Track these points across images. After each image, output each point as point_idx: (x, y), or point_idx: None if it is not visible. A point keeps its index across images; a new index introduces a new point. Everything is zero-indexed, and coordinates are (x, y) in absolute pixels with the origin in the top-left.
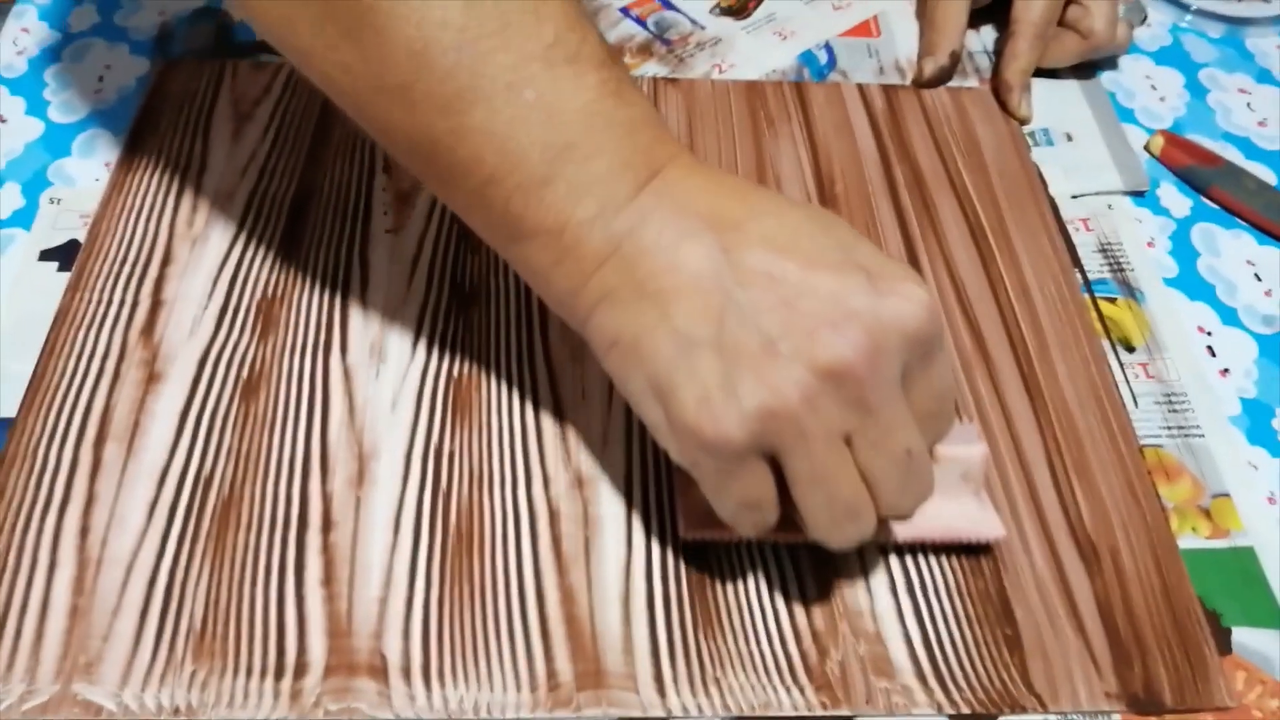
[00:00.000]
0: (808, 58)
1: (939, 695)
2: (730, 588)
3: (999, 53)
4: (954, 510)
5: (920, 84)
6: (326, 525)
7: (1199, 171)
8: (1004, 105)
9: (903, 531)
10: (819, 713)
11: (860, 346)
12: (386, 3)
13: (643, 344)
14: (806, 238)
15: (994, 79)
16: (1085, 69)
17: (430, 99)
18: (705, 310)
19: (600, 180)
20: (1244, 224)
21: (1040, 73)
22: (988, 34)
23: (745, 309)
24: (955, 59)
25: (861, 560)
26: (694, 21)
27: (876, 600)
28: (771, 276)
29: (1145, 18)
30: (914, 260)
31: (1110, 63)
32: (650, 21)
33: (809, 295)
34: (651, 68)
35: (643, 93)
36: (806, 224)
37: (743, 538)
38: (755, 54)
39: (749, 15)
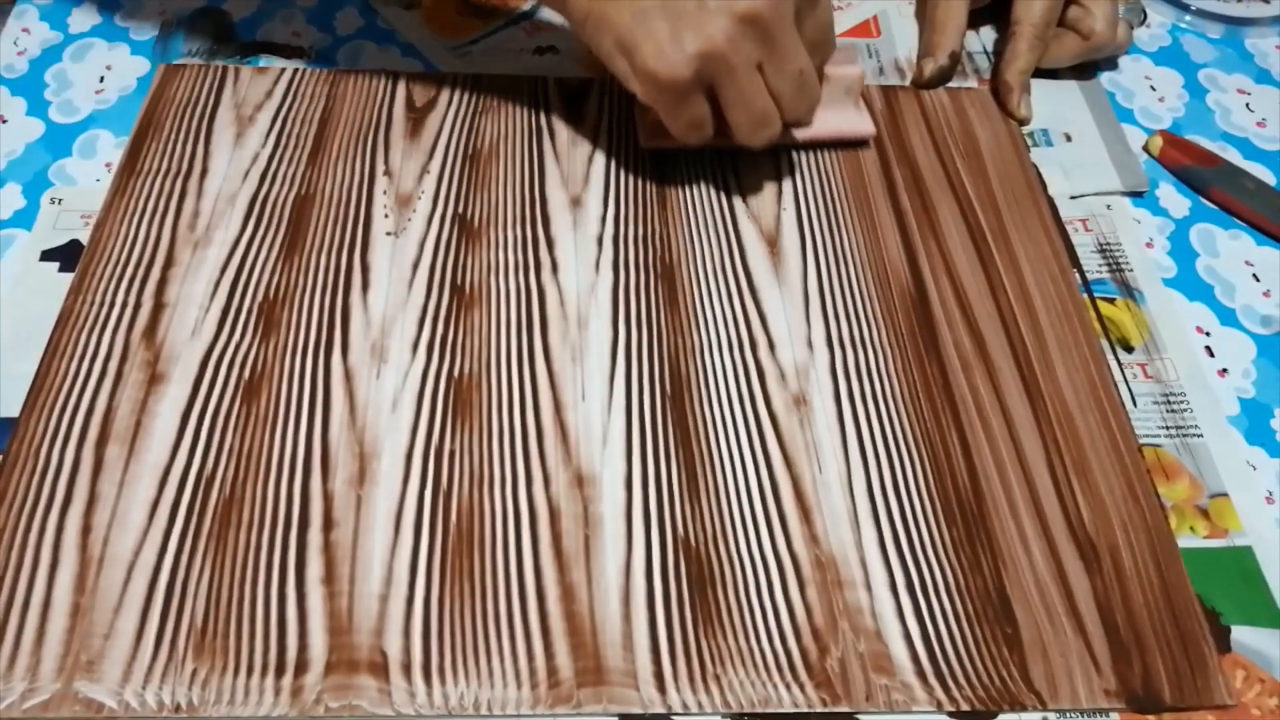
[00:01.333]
0: None
1: (939, 692)
2: (730, 585)
3: (999, 53)
4: (840, 116)
5: (920, 85)
6: (327, 524)
7: (1198, 172)
8: (1003, 106)
9: (802, 134)
10: (819, 709)
11: None
12: None
13: (609, 13)
14: None
15: (993, 80)
16: (1084, 69)
17: None
18: None
19: None
20: (1243, 224)
21: (1040, 73)
22: (987, 34)
23: None
24: (955, 60)
25: (862, 560)
26: None
27: (876, 598)
28: None
29: (1145, 18)
30: (913, 261)
31: (1109, 63)
32: None
33: None
34: None
35: None
36: None
37: (689, 145)
38: None
39: None
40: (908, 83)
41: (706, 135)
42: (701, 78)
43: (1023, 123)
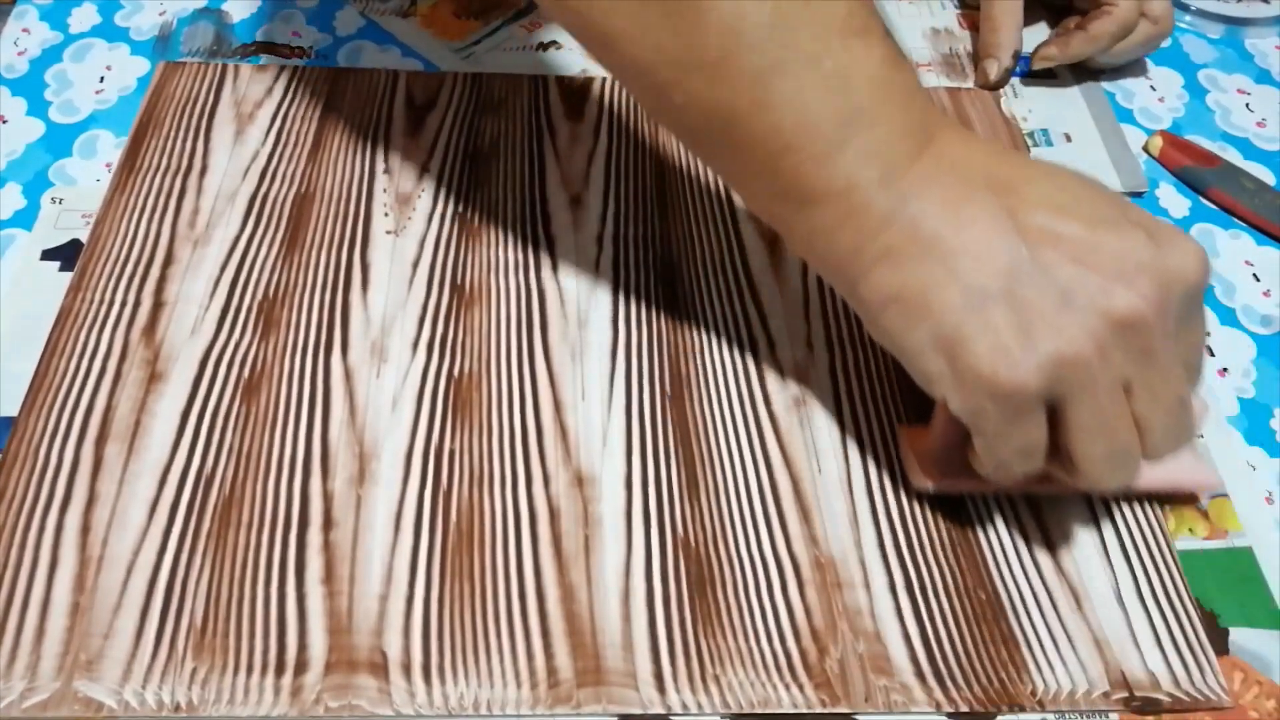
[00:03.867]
0: None
1: (938, 693)
2: (729, 586)
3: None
4: (1179, 464)
5: (987, 87)
6: (327, 524)
7: (1198, 172)
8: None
9: (1141, 485)
10: (818, 710)
11: (1150, 297)
12: None
13: (930, 298)
14: (1084, 200)
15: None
16: (1084, 70)
17: (740, 73)
18: (994, 266)
19: (886, 144)
20: (1242, 224)
21: (1039, 74)
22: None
23: (1035, 266)
24: (1017, 57)
25: (861, 561)
26: None
27: (875, 599)
28: (1058, 235)
29: None
30: None
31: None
32: None
33: (1096, 251)
34: None
35: (911, 64)
36: (1080, 188)
37: (989, 488)
38: None
39: None
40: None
41: (1035, 466)
42: (1052, 391)
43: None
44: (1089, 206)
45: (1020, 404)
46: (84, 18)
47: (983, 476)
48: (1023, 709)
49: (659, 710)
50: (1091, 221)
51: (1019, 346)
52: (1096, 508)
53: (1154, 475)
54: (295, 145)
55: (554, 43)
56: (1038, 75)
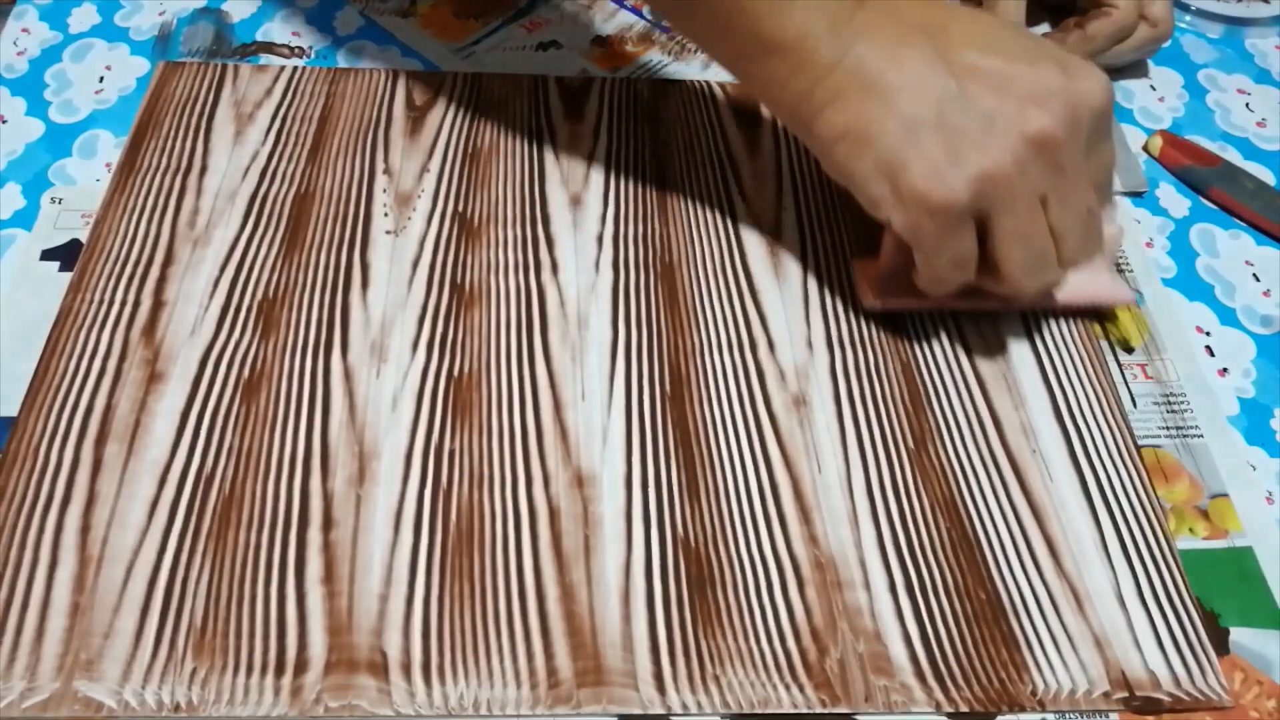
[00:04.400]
0: None
1: (938, 694)
2: (729, 586)
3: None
4: (1096, 280)
5: None
6: (327, 523)
7: (1198, 172)
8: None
9: (1060, 298)
10: (818, 710)
11: (1061, 118)
12: None
13: (873, 130)
14: (1004, 39)
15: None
16: None
17: None
18: (927, 99)
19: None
20: (1243, 224)
21: None
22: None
23: (962, 97)
24: None
25: (861, 561)
26: None
27: (876, 599)
28: (981, 69)
29: None
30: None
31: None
32: (647, 10)
33: (1014, 81)
34: (655, 55)
35: None
36: (1001, 29)
37: (929, 304)
38: None
39: None
40: None
41: (967, 277)
42: (978, 205)
43: None
44: (1008, 44)
45: (952, 217)
46: (84, 18)
47: (924, 293)
48: (1023, 709)
49: (659, 710)
50: (1010, 56)
51: (950, 167)
52: (1095, 506)
53: (1075, 289)
54: (295, 145)
55: (554, 43)
56: None
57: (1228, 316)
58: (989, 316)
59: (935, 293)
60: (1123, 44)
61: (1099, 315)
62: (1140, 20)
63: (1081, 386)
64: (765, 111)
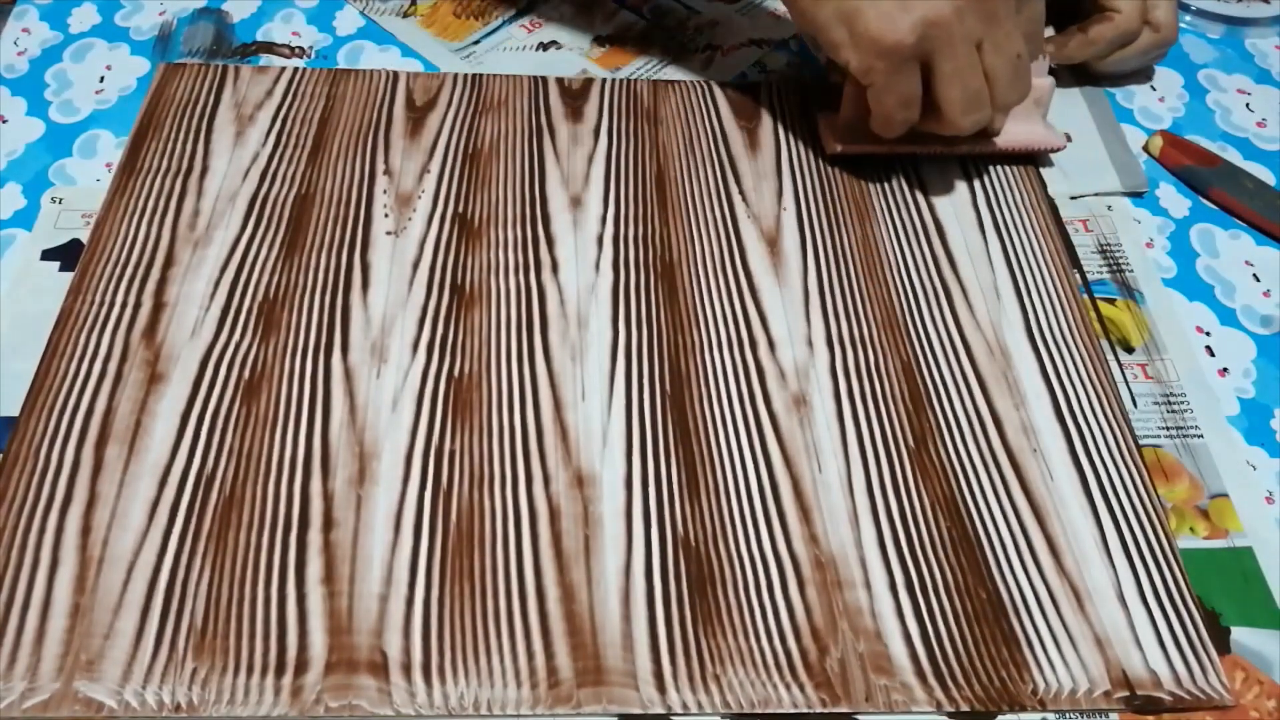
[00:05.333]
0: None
1: (938, 693)
2: (730, 585)
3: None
4: (1030, 129)
5: None
6: (327, 524)
7: (1198, 172)
8: None
9: (997, 143)
10: (818, 710)
11: None
12: None
13: None
14: None
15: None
16: (1084, 70)
17: None
18: None
19: None
20: (1243, 225)
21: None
22: None
23: None
24: None
25: (861, 560)
26: (689, 7)
27: (876, 598)
28: None
29: None
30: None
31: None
32: (646, 10)
33: None
34: (655, 55)
35: None
36: None
37: (883, 148)
38: (753, 35)
39: None
40: None
41: (913, 117)
42: (922, 47)
43: None
44: None
45: (900, 58)
46: (84, 18)
47: (878, 138)
48: (1024, 708)
49: (659, 710)
50: None
51: (899, 13)
52: (1096, 506)
53: (1012, 136)
54: (295, 146)
55: (554, 43)
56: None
57: (1228, 316)
58: (989, 316)
59: (887, 134)
60: (1127, 49)
61: (1034, 160)
62: (1144, 25)
63: (1082, 386)
64: (765, 111)
